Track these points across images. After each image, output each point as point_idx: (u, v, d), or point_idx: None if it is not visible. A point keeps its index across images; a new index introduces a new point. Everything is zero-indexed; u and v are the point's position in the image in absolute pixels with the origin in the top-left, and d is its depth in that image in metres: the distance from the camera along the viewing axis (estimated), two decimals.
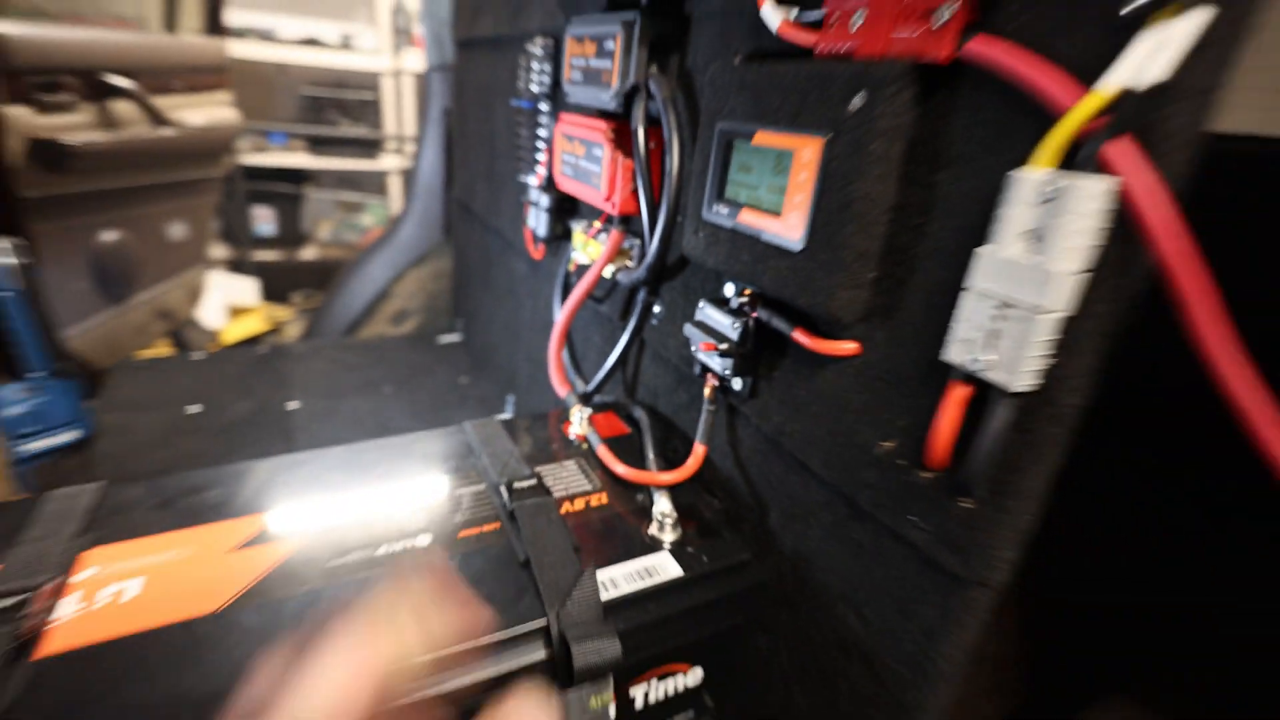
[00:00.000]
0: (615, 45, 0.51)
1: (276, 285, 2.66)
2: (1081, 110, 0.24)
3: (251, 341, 2.17)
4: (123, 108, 1.40)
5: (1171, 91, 0.23)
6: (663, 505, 0.46)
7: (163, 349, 1.75)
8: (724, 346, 0.43)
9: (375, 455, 0.51)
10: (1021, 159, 0.28)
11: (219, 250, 2.70)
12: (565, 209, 0.72)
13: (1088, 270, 0.26)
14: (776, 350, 0.43)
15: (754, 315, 0.43)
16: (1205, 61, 0.23)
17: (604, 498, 0.48)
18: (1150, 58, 0.23)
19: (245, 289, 2.47)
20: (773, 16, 0.39)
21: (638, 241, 0.59)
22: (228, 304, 2.32)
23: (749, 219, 0.40)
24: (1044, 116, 0.26)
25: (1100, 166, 0.25)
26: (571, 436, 0.56)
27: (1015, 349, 0.27)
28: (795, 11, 0.38)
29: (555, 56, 0.73)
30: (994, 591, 0.32)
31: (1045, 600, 0.51)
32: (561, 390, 0.61)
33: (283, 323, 2.40)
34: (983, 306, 0.28)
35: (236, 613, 0.36)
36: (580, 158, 0.60)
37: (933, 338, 0.32)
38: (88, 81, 1.32)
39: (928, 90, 0.31)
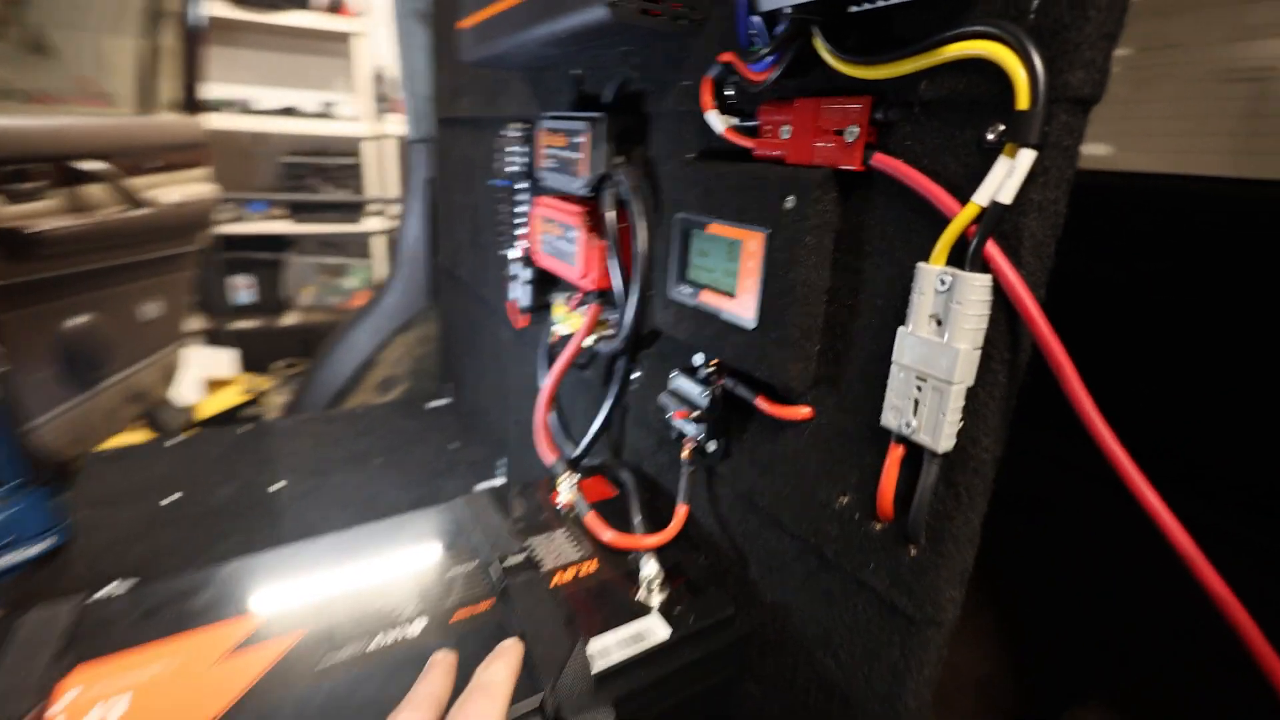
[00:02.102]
0: (584, 140, 0.57)
1: (257, 354, 2.67)
2: (963, 217, 0.29)
3: (231, 414, 2.16)
4: (95, 190, 1.43)
5: (1022, 205, 0.28)
6: (649, 568, 0.49)
7: (136, 434, 1.74)
8: (696, 413, 0.48)
9: (366, 540, 0.52)
10: (922, 252, 0.33)
11: (196, 322, 2.72)
12: (546, 281, 0.77)
13: (982, 348, 0.30)
14: (743, 415, 0.47)
15: (720, 383, 0.47)
16: (1039, 184, 0.28)
17: (594, 565, 0.51)
18: (1004, 180, 0.28)
19: (223, 360, 2.48)
20: (717, 122, 0.44)
21: (615, 313, 0.64)
22: (205, 377, 2.31)
23: (709, 299, 0.45)
24: (936, 219, 0.32)
25: (981, 263, 0.29)
26: (560, 505, 0.59)
27: (934, 416, 0.32)
28: (736, 120, 0.44)
29: (530, 140, 0.79)
30: (944, 629, 0.36)
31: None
32: (549, 458, 0.65)
33: (263, 392, 2.40)
34: (906, 379, 0.33)
35: None
36: (557, 238, 0.65)
37: (871, 403, 0.37)
38: (58, 167, 1.35)
39: (846, 191, 0.37)
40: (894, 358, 0.33)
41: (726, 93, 0.45)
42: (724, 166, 0.43)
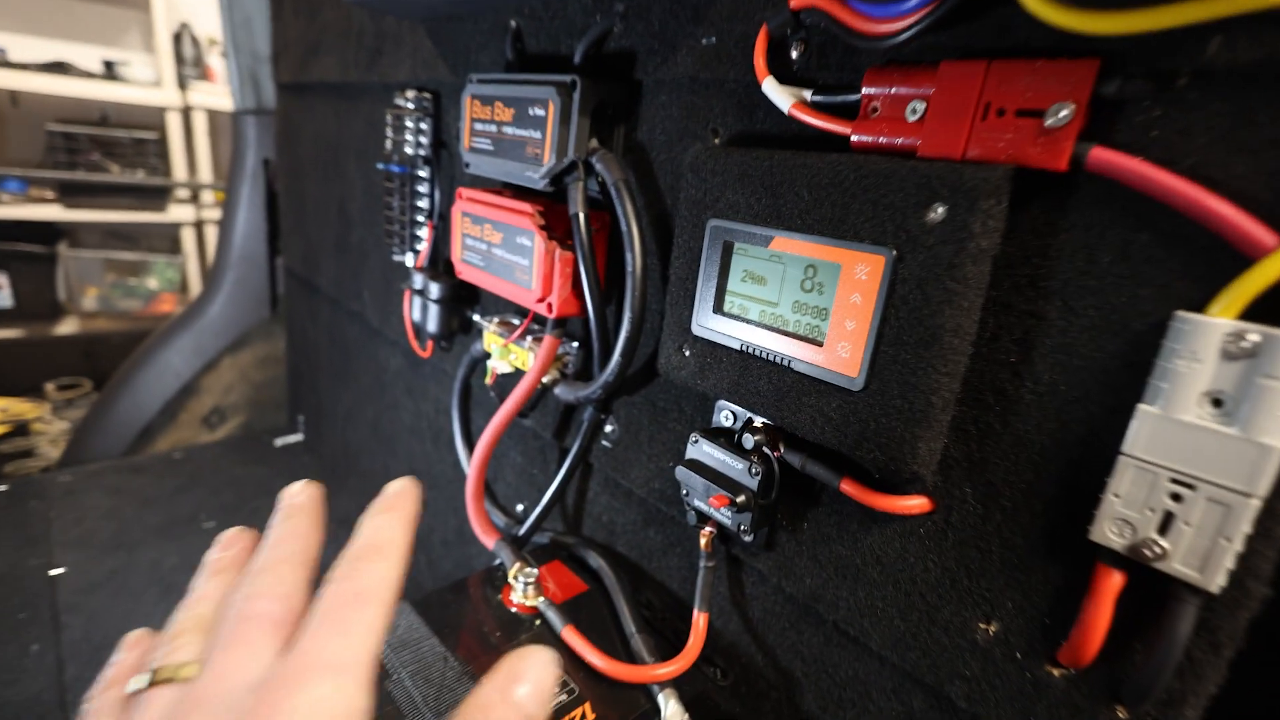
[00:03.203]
0: (547, 113, 0.41)
1: (20, 372, 2.07)
2: None
3: None
4: None
5: None
6: (672, 711, 0.35)
7: None
8: (741, 499, 0.34)
9: None
10: (1174, 296, 0.22)
11: None
12: (461, 299, 0.59)
13: None
14: (801, 494, 0.35)
15: (776, 455, 0.34)
16: None
17: (589, 711, 0.36)
18: None
19: None
20: (780, 96, 0.31)
21: (574, 346, 0.48)
22: None
23: (769, 341, 0.32)
24: (1205, 249, 0.21)
25: None
26: (515, 608, 0.43)
27: (1210, 540, 0.21)
28: (809, 93, 0.31)
29: (436, 114, 0.61)
30: None
31: None
32: (489, 540, 0.47)
33: (28, 420, 1.85)
34: (1149, 480, 0.22)
35: None
36: (495, 245, 0.48)
37: (1049, 502, 0.26)
38: None
39: (1020, 200, 0.25)
40: (1127, 447, 0.23)
41: (792, 54, 0.32)
42: (804, 158, 0.30)
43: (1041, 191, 0.25)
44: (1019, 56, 0.24)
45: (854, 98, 0.29)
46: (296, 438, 1.13)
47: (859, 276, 0.28)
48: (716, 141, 0.37)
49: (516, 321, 0.53)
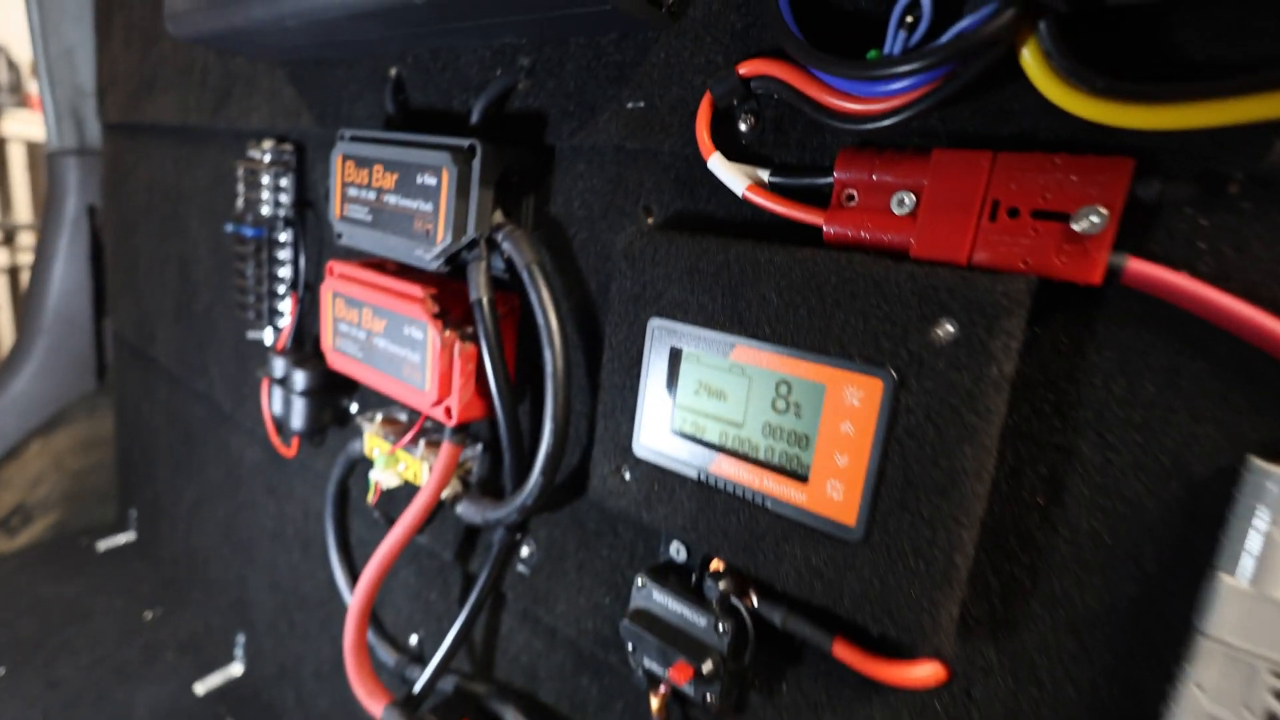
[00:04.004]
0: (441, 183, 0.33)
1: None
2: None
3: None
4: None
5: None
6: None
7: None
8: (707, 667, 0.27)
9: None
10: (1239, 439, 0.19)
11: None
12: (338, 385, 0.49)
13: None
14: (778, 646, 0.28)
15: (748, 606, 0.27)
16: None
17: None
18: None
19: None
20: (732, 177, 0.26)
21: (478, 448, 0.40)
22: None
23: (736, 472, 0.26)
24: (1268, 380, 0.18)
25: None
26: None
27: None
28: (766, 173, 0.26)
29: (300, 169, 0.51)
30: None
31: None
32: (375, 706, 0.37)
33: None
34: (1245, 673, 0.18)
35: None
36: (377, 334, 0.38)
37: (1102, 678, 0.21)
38: None
39: (1035, 313, 0.21)
40: (1212, 629, 0.18)
41: (740, 127, 0.27)
42: (770, 253, 0.24)
43: (1063, 303, 0.21)
44: (1026, 147, 0.20)
45: (824, 182, 0.24)
46: (127, 538, 0.92)
47: (850, 402, 0.23)
48: (650, 221, 0.31)
49: (405, 418, 0.43)
